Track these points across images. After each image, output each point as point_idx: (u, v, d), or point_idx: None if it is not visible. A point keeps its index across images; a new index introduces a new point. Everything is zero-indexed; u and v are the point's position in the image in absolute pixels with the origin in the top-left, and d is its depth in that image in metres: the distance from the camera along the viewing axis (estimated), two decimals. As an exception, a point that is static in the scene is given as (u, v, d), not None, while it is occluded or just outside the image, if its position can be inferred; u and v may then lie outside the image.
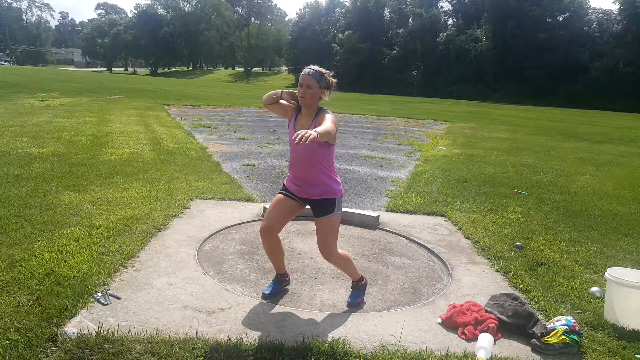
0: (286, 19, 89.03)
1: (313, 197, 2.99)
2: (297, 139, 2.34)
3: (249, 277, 3.52)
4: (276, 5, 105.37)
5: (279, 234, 3.12)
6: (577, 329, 2.74)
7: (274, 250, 3.16)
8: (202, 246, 4.04)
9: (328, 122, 2.76)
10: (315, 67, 2.89)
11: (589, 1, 44.61)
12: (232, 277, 3.51)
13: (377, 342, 2.69)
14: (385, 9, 54.18)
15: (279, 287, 3.28)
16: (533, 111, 28.05)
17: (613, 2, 42.00)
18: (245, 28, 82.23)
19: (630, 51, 37.15)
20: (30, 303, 2.78)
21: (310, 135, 2.38)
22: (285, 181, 3.15)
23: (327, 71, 2.91)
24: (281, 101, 3.06)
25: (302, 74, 2.87)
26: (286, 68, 71.25)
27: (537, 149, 11.25)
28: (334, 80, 2.92)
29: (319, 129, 2.58)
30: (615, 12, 41.23)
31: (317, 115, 2.90)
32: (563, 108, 33.28)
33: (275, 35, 78.88)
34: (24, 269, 3.20)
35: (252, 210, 5.08)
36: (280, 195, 3.09)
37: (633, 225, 5.31)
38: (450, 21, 52.30)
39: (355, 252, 4.14)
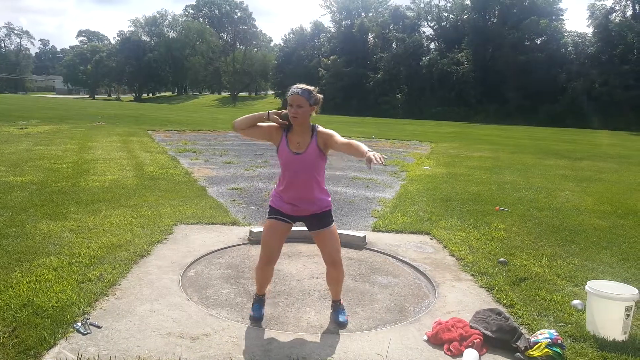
0: (272, 44, 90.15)
1: (310, 214, 3.04)
2: (381, 161, 2.46)
3: (234, 302, 3.48)
4: (261, 31, 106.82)
5: None
6: (559, 341, 2.76)
7: (270, 277, 3.22)
8: (186, 272, 4.00)
9: (341, 137, 2.88)
10: (303, 86, 2.91)
11: (564, 25, 45.94)
12: (217, 302, 3.47)
13: (363, 362, 2.67)
14: (369, 34, 55.22)
15: (263, 308, 3.26)
16: (514, 130, 28.58)
17: (587, 26, 43.52)
18: (231, 53, 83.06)
19: (605, 72, 38.34)
20: (6, 335, 2.70)
21: (382, 157, 2.51)
22: (273, 204, 3.10)
23: (313, 88, 2.93)
24: (260, 124, 3.02)
25: (290, 94, 2.88)
26: (272, 92, 71.80)
27: (518, 167, 11.43)
28: (320, 95, 2.96)
29: (362, 146, 2.67)
30: (590, 35, 42.67)
31: (314, 133, 2.94)
32: (543, 127, 33.97)
33: (261, 60, 79.70)
34: None
35: (238, 234, 5.05)
36: (273, 222, 3.06)
37: (612, 239, 5.40)
38: (432, 45, 53.44)
39: (340, 273, 4.13)
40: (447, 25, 52.42)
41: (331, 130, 2.95)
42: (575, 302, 3.51)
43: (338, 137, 2.89)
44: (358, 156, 2.69)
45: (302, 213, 3.04)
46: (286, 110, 2.94)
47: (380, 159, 2.48)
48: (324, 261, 3.16)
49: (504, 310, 3.27)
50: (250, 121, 3.01)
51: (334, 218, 3.14)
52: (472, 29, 46.16)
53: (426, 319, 3.26)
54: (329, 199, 3.11)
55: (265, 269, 3.11)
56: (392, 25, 54.02)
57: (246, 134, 3.06)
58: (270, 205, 3.12)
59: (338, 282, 3.20)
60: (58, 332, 2.77)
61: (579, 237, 5.41)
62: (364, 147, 2.66)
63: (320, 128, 2.96)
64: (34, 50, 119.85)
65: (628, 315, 2.96)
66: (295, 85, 2.92)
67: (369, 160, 2.50)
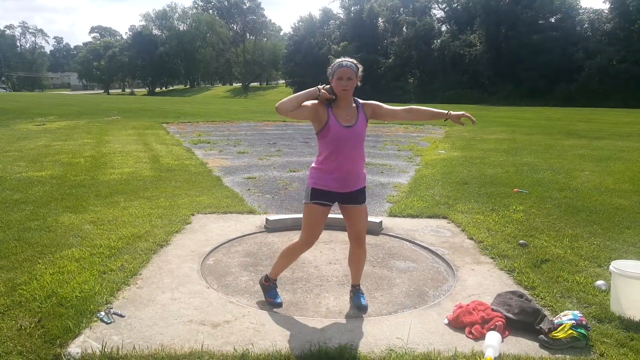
0: (281, 33, 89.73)
1: (357, 188, 3.03)
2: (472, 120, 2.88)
3: (253, 289, 3.50)
4: (270, 20, 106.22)
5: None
6: (584, 322, 2.71)
7: (294, 260, 3.32)
8: (205, 260, 4.03)
9: (389, 106, 3.05)
10: (349, 59, 2.90)
11: (579, 2, 44.78)
12: (237, 289, 3.49)
13: (385, 345, 2.67)
14: (379, 18, 54.58)
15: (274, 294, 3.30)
16: (530, 111, 28.10)
17: (604, 2, 42.27)
18: (241, 44, 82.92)
19: (623, 48, 37.38)
20: (32, 326, 2.76)
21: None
22: (317, 184, 2.97)
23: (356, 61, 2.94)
24: (304, 103, 2.86)
25: (341, 66, 2.83)
26: (283, 81, 71.62)
27: (535, 148, 11.25)
28: (361, 67, 2.97)
29: (433, 109, 3.05)
30: (606, 11, 41.53)
31: (358, 105, 2.98)
32: (559, 107, 33.37)
33: (271, 50, 79.47)
34: (25, 292, 3.19)
35: (255, 222, 5.07)
36: (317, 207, 2.98)
37: (635, 218, 5.29)
38: (443, 27, 52.64)
39: (358, 259, 4.12)
40: (459, 7, 51.49)
41: (373, 101, 3.05)
42: (599, 282, 3.45)
43: (387, 106, 3.02)
44: (434, 118, 3.00)
45: (350, 189, 2.99)
46: (328, 85, 2.92)
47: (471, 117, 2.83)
48: (349, 239, 3.16)
49: (525, 292, 3.23)
50: (299, 101, 2.85)
51: None
52: (483, 9, 45.24)
53: (446, 302, 3.24)
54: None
55: (304, 250, 3.16)
56: (402, 9, 53.33)
57: (293, 115, 2.88)
58: (312, 188, 2.99)
59: (360, 261, 3.21)
60: (82, 321, 2.81)
61: (600, 217, 5.32)
62: (436, 110, 2.96)
63: (364, 102, 3.02)
64: (48, 48, 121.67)
65: (655, 295, 2.90)
66: (342, 59, 2.90)
67: (457, 118, 2.90)
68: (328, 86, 2.92)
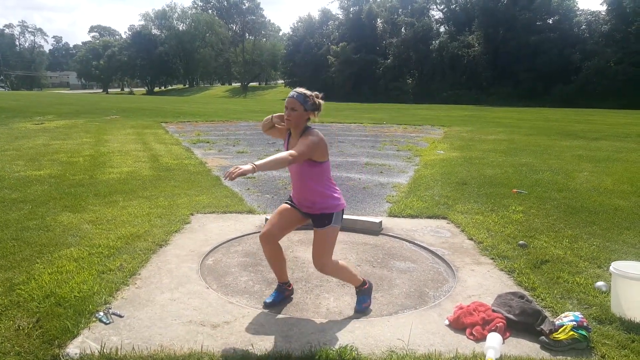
0: (280, 33, 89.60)
1: (311, 212, 3.04)
2: (225, 176, 2.52)
3: (253, 289, 3.49)
4: (270, 20, 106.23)
5: (280, 243, 3.13)
6: (585, 324, 2.71)
7: (274, 257, 3.19)
8: (205, 260, 4.02)
9: (299, 146, 2.77)
10: (300, 90, 2.92)
11: (577, 3, 44.95)
12: (236, 289, 3.48)
13: (385, 347, 2.66)
14: (378, 19, 54.58)
15: (281, 296, 3.28)
16: (528, 112, 28.13)
17: (601, 4, 42.39)
18: (240, 44, 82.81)
19: (620, 50, 37.49)
20: (30, 326, 2.74)
21: (238, 171, 2.51)
22: (291, 192, 3.19)
23: (313, 93, 2.92)
24: (277, 125, 3.09)
25: (288, 97, 2.91)
26: (282, 81, 71.59)
27: (534, 149, 11.26)
28: (321, 101, 2.94)
29: (261, 161, 2.66)
30: (604, 13, 41.63)
31: (301, 136, 2.89)
32: (557, 108, 33.42)
33: (270, 50, 79.42)
34: (23, 292, 3.17)
35: (254, 222, 5.06)
36: (285, 205, 3.16)
37: (634, 219, 5.29)
38: (442, 29, 52.68)
39: (359, 259, 4.12)
40: (457, 8, 51.57)
41: (309, 138, 2.83)
42: (599, 283, 3.45)
43: (303, 146, 2.78)
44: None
45: (305, 210, 3.07)
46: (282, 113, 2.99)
47: (227, 175, 2.52)
48: None
49: (526, 293, 3.23)
50: (266, 125, 3.16)
51: (340, 219, 3.04)
52: (482, 10, 45.31)
53: (447, 303, 3.23)
54: (336, 202, 3.01)
55: (264, 244, 3.10)
56: (400, 10, 53.36)
57: (269, 134, 3.22)
58: (290, 194, 3.24)
59: (336, 278, 3.31)
60: (81, 321, 2.80)
61: (599, 218, 5.32)
62: (263, 160, 2.71)
63: (307, 134, 2.88)
64: (47, 47, 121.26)
65: (655, 296, 2.90)
66: (295, 89, 2.94)
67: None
68: (281, 114, 3.02)
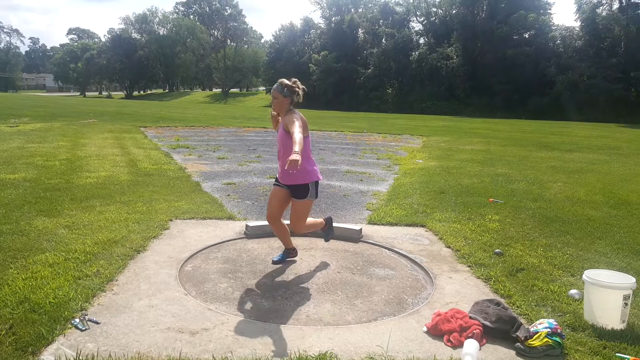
0: (262, 40, 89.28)
1: (290, 184, 3.80)
2: (288, 168, 3.09)
3: (232, 296, 3.47)
4: (252, 27, 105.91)
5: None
6: (559, 331, 2.78)
7: (280, 232, 4.06)
8: (184, 266, 3.98)
9: (295, 127, 3.47)
10: (280, 80, 3.73)
11: (552, 19, 46.04)
12: (215, 296, 3.46)
13: (365, 353, 2.67)
14: (359, 29, 55.05)
15: (286, 257, 4.15)
16: (504, 124, 28.72)
17: (575, 20, 43.62)
18: (222, 50, 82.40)
19: (594, 64, 38.57)
20: (3, 333, 2.67)
21: (295, 160, 3.07)
22: (277, 173, 3.95)
23: (290, 81, 3.70)
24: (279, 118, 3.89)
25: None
26: (263, 88, 71.46)
27: (510, 159, 11.50)
28: (299, 86, 3.73)
29: (296, 147, 3.26)
30: (577, 29, 42.89)
31: (286, 116, 3.69)
32: (532, 120, 34.18)
33: (252, 57, 79.22)
34: (-4, 298, 3.09)
35: (234, 228, 5.03)
36: (274, 188, 3.98)
37: (606, 229, 5.45)
38: (421, 40, 53.40)
39: (339, 265, 4.14)
40: (436, 20, 52.42)
41: (296, 119, 3.57)
42: (573, 291, 3.54)
43: (292, 126, 3.51)
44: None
45: (285, 182, 3.83)
46: None
47: (291, 168, 3.08)
48: None
49: (502, 300, 3.30)
50: (274, 120, 3.98)
51: (315, 192, 3.84)
52: (460, 23, 46.18)
53: (425, 310, 3.27)
54: (312, 175, 3.77)
55: (271, 224, 4.00)
56: (381, 21, 53.94)
57: (277, 127, 3.94)
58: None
59: (307, 231, 4.21)
60: (56, 328, 2.74)
61: (573, 227, 5.46)
62: (295, 147, 3.25)
63: (290, 114, 3.66)
64: (23, 49, 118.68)
65: (626, 304, 2.99)
66: (278, 80, 3.73)
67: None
68: None
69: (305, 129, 3.57)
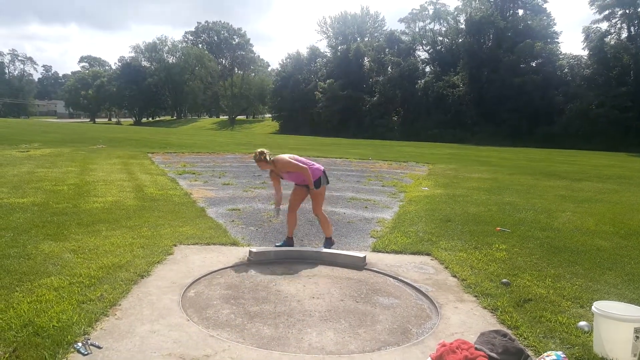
0: (269, 69, 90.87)
1: (305, 184, 5.30)
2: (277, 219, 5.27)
3: (234, 322, 3.44)
4: (259, 56, 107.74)
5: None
6: (567, 363, 2.72)
7: (292, 221, 5.45)
8: (187, 292, 3.96)
9: (292, 166, 5.16)
10: (255, 151, 5.23)
11: (559, 47, 46.51)
12: (218, 322, 3.43)
13: (368, 384, 2.62)
14: (365, 58, 55.96)
15: (287, 244, 5.36)
16: (512, 152, 28.73)
17: (583, 48, 44.00)
18: (229, 78, 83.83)
19: (602, 93, 38.68)
20: (6, 355, 2.67)
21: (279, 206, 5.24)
22: None
23: (258, 152, 5.19)
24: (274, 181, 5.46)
25: None
26: (270, 115, 72.27)
27: (517, 188, 11.45)
28: (262, 154, 5.16)
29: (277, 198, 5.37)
30: (585, 57, 43.20)
31: (275, 165, 5.21)
32: (541, 148, 34.18)
33: (258, 85, 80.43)
34: (0, 321, 3.09)
35: (238, 254, 5.02)
36: (295, 186, 5.41)
37: (616, 260, 5.37)
38: (427, 68, 54.08)
39: (343, 293, 4.10)
40: (442, 49, 53.23)
41: (282, 163, 5.18)
42: (582, 323, 3.47)
43: (290, 167, 5.18)
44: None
45: (303, 183, 5.31)
46: None
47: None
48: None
49: (509, 331, 3.24)
50: (274, 181, 5.50)
51: (324, 180, 5.33)
52: (467, 52, 46.77)
53: (430, 340, 3.22)
54: (315, 174, 5.20)
55: (289, 214, 5.42)
56: (387, 50, 54.77)
57: (276, 182, 5.47)
58: None
59: (320, 222, 5.49)
60: (59, 352, 2.73)
61: (582, 257, 5.39)
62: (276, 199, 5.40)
63: (275, 163, 5.21)
64: (36, 76, 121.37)
65: (637, 337, 2.92)
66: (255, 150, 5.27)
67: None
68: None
69: (291, 158, 5.18)
